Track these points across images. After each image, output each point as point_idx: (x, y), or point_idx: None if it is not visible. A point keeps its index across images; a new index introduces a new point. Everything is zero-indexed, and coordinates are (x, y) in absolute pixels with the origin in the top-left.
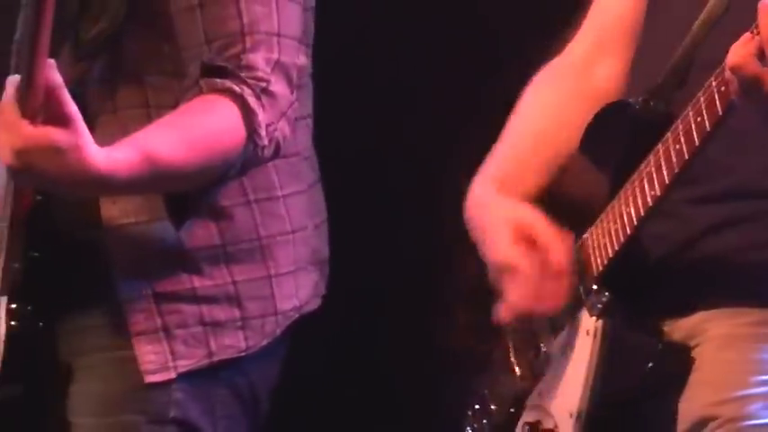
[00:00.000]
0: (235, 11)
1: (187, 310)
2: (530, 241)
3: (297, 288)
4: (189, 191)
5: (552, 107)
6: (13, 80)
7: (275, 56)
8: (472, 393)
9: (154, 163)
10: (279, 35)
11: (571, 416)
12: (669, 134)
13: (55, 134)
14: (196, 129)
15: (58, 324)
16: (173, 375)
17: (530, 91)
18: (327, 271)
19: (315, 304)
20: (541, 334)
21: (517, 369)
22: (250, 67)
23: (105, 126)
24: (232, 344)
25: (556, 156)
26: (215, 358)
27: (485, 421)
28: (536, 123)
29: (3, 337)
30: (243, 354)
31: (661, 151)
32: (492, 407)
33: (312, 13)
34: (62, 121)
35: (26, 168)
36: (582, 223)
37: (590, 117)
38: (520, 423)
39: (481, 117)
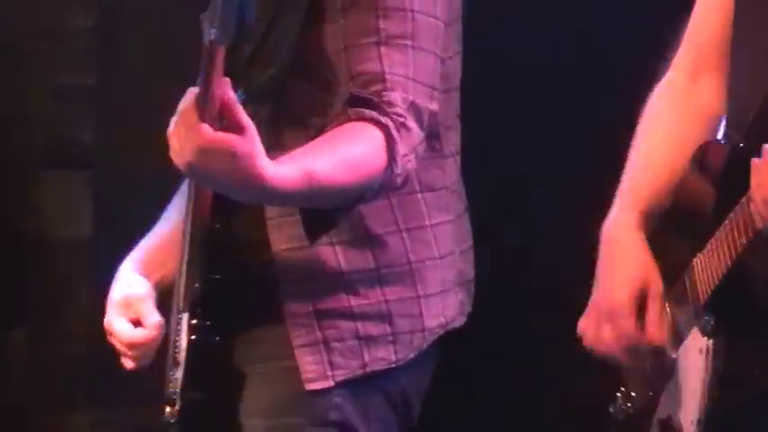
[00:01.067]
0: (376, 54)
1: (344, 326)
2: (640, 305)
3: (443, 307)
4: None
5: (672, 130)
6: (193, 89)
7: (410, 97)
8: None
9: (312, 178)
10: (414, 80)
11: (692, 423)
12: None
13: (232, 139)
14: (347, 151)
15: (232, 336)
16: (331, 384)
17: (650, 115)
18: (473, 290)
19: (460, 321)
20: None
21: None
22: (390, 104)
23: None
24: (384, 356)
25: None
26: (368, 369)
27: (629, 404)
28: (661, 148)
29: (185, 349)
30: (393, 365)
31: None
32: (632, 394)
33: (458, 58)
34: (237, 130)
35: (203, 167)
36: (692, 236)
37: (700, 136)
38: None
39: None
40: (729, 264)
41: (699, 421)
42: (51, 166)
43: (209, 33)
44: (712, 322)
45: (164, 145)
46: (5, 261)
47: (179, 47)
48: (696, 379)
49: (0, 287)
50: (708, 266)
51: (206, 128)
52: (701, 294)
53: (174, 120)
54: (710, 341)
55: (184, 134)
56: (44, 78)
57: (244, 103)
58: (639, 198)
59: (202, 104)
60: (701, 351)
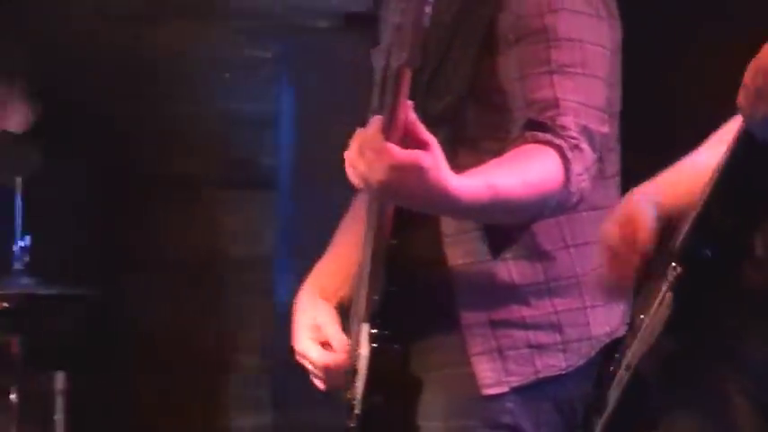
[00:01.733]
0: (548, 83)
1: (517, 335)
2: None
3: (608, 317)
4: (518, 231)
5: None
6: (376, 117)
7: (582, 121)
8: None
9: (494, 192)
10: (585, 105)
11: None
12: None
13: (419, 155)
14: (526, 169)
15: (410, 345)
16: (506, 389)
17: None
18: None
19: (623, 330)
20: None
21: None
22: (563, 127)
23: None
24: (554, 364)
25: None
26: (540, 375)
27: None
28: None
29: (366, 357)
30: (563, 372)
31: None
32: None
33: (619, 85)
34: (422, 146)
35: (395, 184)
36: None
37: None
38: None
39: None
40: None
41: (628, 366)
42: (232, 187)
43: (399, 58)
44: (676, 272)
45: (338, 167)
46: (187, 274)
47: (352, 78)
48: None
49: (178, 301)
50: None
51: (394, 147)
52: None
53: (356, 145)
54: (668, 294)
55: (373, 156)
56: (230, 105)
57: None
58: None
59: (387, 128)
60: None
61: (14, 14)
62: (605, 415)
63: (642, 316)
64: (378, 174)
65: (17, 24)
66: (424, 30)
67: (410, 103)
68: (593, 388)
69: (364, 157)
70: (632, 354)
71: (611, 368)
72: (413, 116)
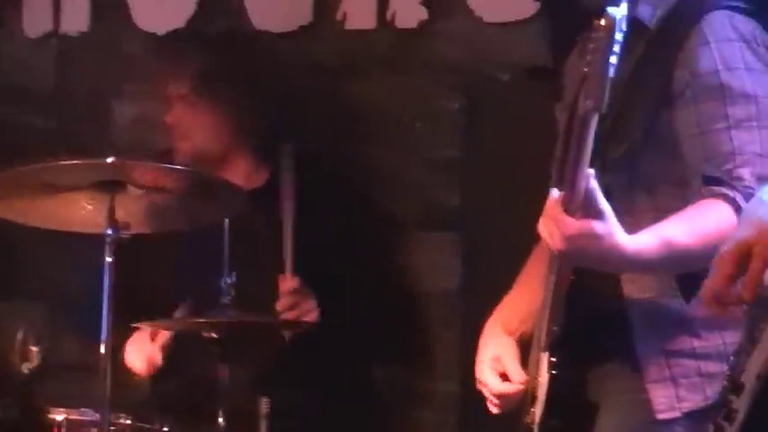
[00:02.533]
0: (726, 138)
1: (688, 364)
2: None
3: None
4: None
5: None
6: (554, 192)
7: (758, 170)
8: None
9: (669, 247)
10: (761, 155)
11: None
12: None
13: (595, 225)
14: (701, 223)
15: (587, 372)
16: (677, 414)
17: None
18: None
19: None
20: None
21: None
22: (740, 179)
23: (624, 224)
24: None
25: None
26: (709, 401)
27: None
28: None
29: (545, 384)
30: None
31: None
32: None
33: None
34: (598, 215)
35: (573, 251)
36: None
37: None
38: None
39: None
40: None
41: (759, 376)
42: (425, 227)
43: (585, 104)
44: None
45: (517, 210)
46: (381, 307)
47: (532, 126)
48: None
49: (376, 330)
50: None
51: (571, 220)
52: None
53: (544, 213)
54: None
55: (553, 227)
56: (420, 151)
57: (599, 173)
58: None
59: (566, 197)
60: None
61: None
62: (736, 424)
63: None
64: (558, 243)
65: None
66: (609, 79)
67: (590, 172)
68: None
69: (547, 226)
70: (760, 363)
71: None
72: (591, 186)
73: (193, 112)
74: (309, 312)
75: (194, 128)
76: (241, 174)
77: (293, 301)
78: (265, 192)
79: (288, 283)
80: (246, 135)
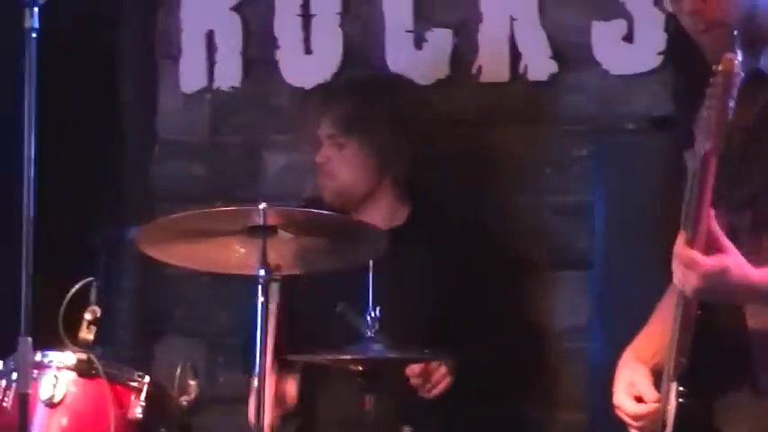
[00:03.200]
0: None
1: None
2: None
3: None
4: None
5: None
6: (682, 233)
7: None
8: None
9: None
10: None
11: None
12: None
13: (723, 259)
14: None
15: (713, 401)
16: None
17: None
18: None
19: None
20: None
21: None
22: None
23: (751, 264)
24: None
25: None
26: None
27: None
28: None
29: (674, 412)
30: None
31: None
32: None
33: None
34: (724, 251)
35: (707, 288)
36: None
37: None
38: None
39: None
40: None
41: None
42: (555, 268)
43: (704, 146)
44: None
45: (642, 252)
46: (515, 343)
47: (655, 173)
48: None
49: (510, 364)
50: None
51: (702, 258)
52: None
53: (675, 256)
54: None
55: (686, 268)
56: (550, 196)
57: (724, 214)
58: None
59: (691, 238)
60: None
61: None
62: None
63: None
64: (691, 281)
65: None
66: (728, 121)
67: (712, 212)
68: None
69: (679, 267)
70: None
71: None
72: (714, 226)
73: (341, 152)
74: (443, 379)
75: (341, 166)
76: (384, 211)
77: (422, 379)
78: (407, 228)
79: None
80: (390, 174)
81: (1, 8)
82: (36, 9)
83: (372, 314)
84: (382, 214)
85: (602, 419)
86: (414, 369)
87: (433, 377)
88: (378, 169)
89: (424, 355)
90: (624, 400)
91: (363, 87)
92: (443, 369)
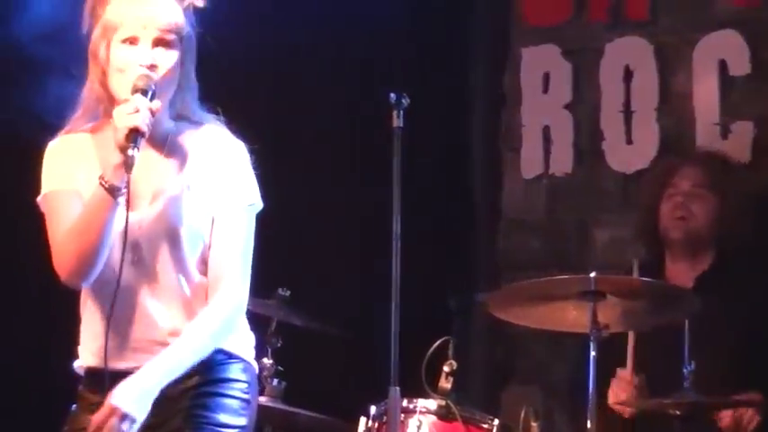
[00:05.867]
0: None
1: None
2: None
3: None
4: None
5: None
6: None
7: None
8: None
9: None
10: None
11: None
12: None
13: None
14: None
15: None
16: None
17: None
18: None
19: None
20: None
21: None
22: None
23: None
24: None
25: None
26: None
27: None
28: None
29: None
30: None
31: None
32: None
33: None
34: None
35: None
36: None
37: None
38: None
39: None
40: None
41: None
42: None
43: None
44: None
45: None
46: None
47: None
48: None
49: None
50: None
51: None
52: None
53: None
54: None
55: None
56: None
57: None
58: None
59: None
60: None
61: None
62: None
63: None
64: None
65: None
66: None
67: None
68: None
69: None
70: None
71: None
72: None
73: (702, 201)
74: (752, 420)
75: (701, 212)
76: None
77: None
78: (712, 274)
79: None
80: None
81: (372, 110)
82: (401, 111)
83: (689, 367)
84: (691, 259)
85: None
86: (725, 414)
87: (744, 420)
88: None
89: (733, 402)
90: None
91: (709, 156)
92: (751, 412)
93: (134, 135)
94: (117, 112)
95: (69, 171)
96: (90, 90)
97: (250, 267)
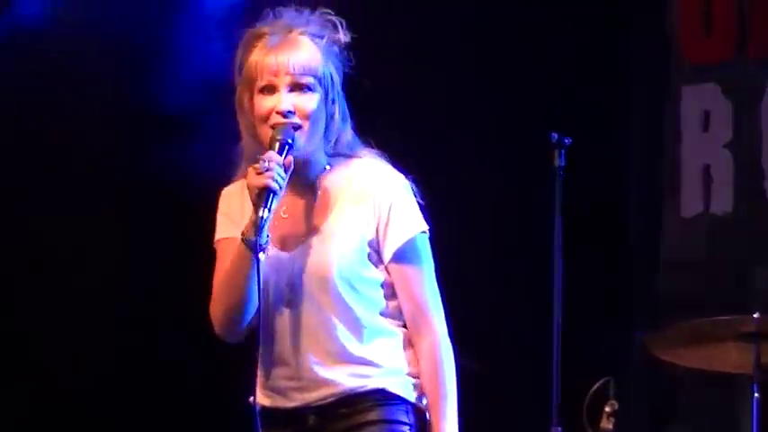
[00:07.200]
0: None
1: None
2: None
3: None
4: None
5: None
6: None
7: None
8: None
9: None
10: None
11: None
12: None
13: None
14: None
15: None
16: None
17: None
18: None
19: None
20: None
21: None
22: None
23: None
24: None
25: None
26: None
27: None
28: None
29: None
30: None
31: None
32: None
33: None
34: None
35: None
36: None
37: None
38: None
39: None
40: None
41: None
42: None
43: None
44: None
45: None
46: None
47: None
48: None
49: None
50: None
51: None
52: None
53: None
54: None
55: None
56: None
57: None
58: None
59: None
60: None
61: None
62: None
63: None
64: None
65: None
66: None
67: None
68: None
69: None
70: None
71: None
72: None
73: None
74: None
75: None
76: None
77: None
78: None
79: None
80: None
81: (534, 150)
82: (563, 151)
83: None
84: None
85: None
86: None
87: None
88: None
89: None
90: None
91: None
92: None
93: (265, 194)
94: (249, 171)
95: (237, 218)
96: (245, 140)
97: (438, 294)
